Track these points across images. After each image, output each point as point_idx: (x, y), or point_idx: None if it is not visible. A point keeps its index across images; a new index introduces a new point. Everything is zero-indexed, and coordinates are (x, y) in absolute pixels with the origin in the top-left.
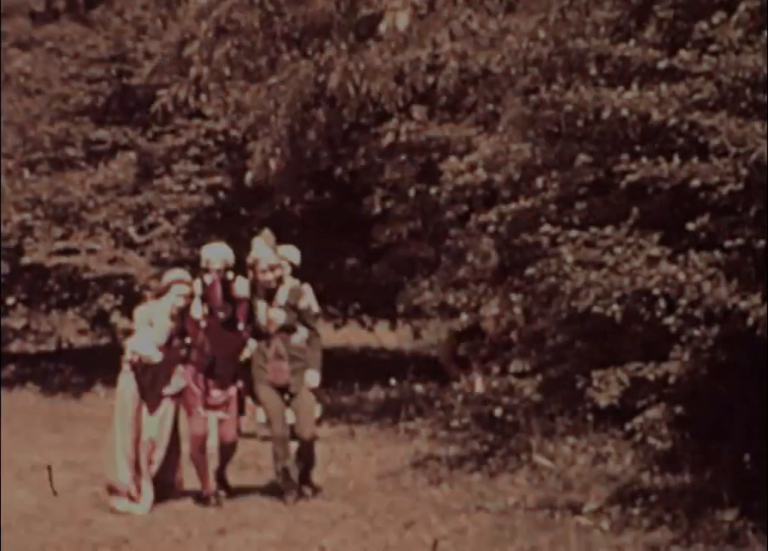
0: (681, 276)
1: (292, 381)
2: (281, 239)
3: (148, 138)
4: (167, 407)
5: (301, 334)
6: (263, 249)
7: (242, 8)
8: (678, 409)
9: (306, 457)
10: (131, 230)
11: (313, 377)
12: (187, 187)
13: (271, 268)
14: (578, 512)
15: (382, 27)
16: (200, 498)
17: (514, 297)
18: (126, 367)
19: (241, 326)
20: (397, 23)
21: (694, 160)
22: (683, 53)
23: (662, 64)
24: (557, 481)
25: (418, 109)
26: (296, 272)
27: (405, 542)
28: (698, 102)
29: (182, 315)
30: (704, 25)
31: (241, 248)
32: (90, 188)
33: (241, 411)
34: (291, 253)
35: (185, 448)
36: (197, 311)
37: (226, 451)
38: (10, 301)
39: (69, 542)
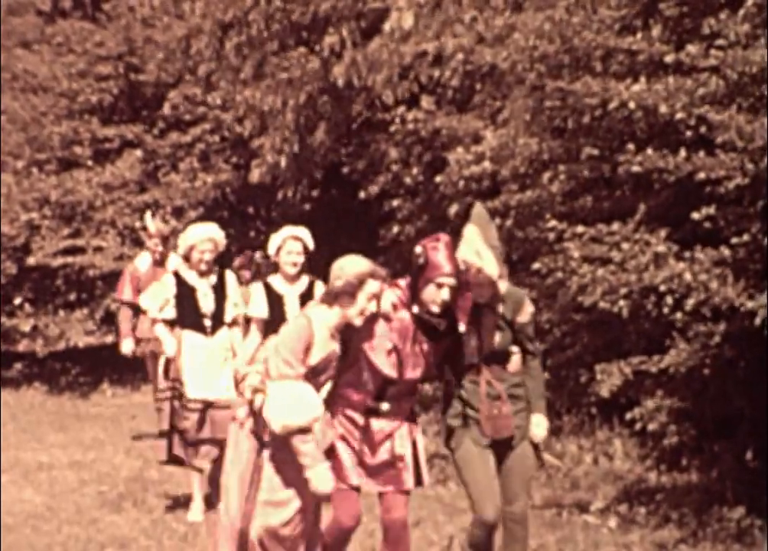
0: (688, 275)
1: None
2: None
3: (154, 135)
4: None
5: (516, 359)
6: (476, 244)
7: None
8: (684, 406)
9: (521, 539)
10: (138, 227)
11: (540, 426)
12: (194, 183)
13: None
14: (585, 510)
15: (387, 27)
16: None
17: None
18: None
19: (461, 328)
20: (402, 23)
21: (701, 154)
22: (690, 48)
23: (668, 59)
24: (564, 480)
25: (426, 99)
26: (311, 259)
27: (412, 540)
28: (705, 96)
29: None
30: (711, 21)
31: (248, 247)
32: (97, 187)
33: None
34: (306, 236)
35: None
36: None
37: (393, 539)
38: (17, 301)
39: (76, 541)
